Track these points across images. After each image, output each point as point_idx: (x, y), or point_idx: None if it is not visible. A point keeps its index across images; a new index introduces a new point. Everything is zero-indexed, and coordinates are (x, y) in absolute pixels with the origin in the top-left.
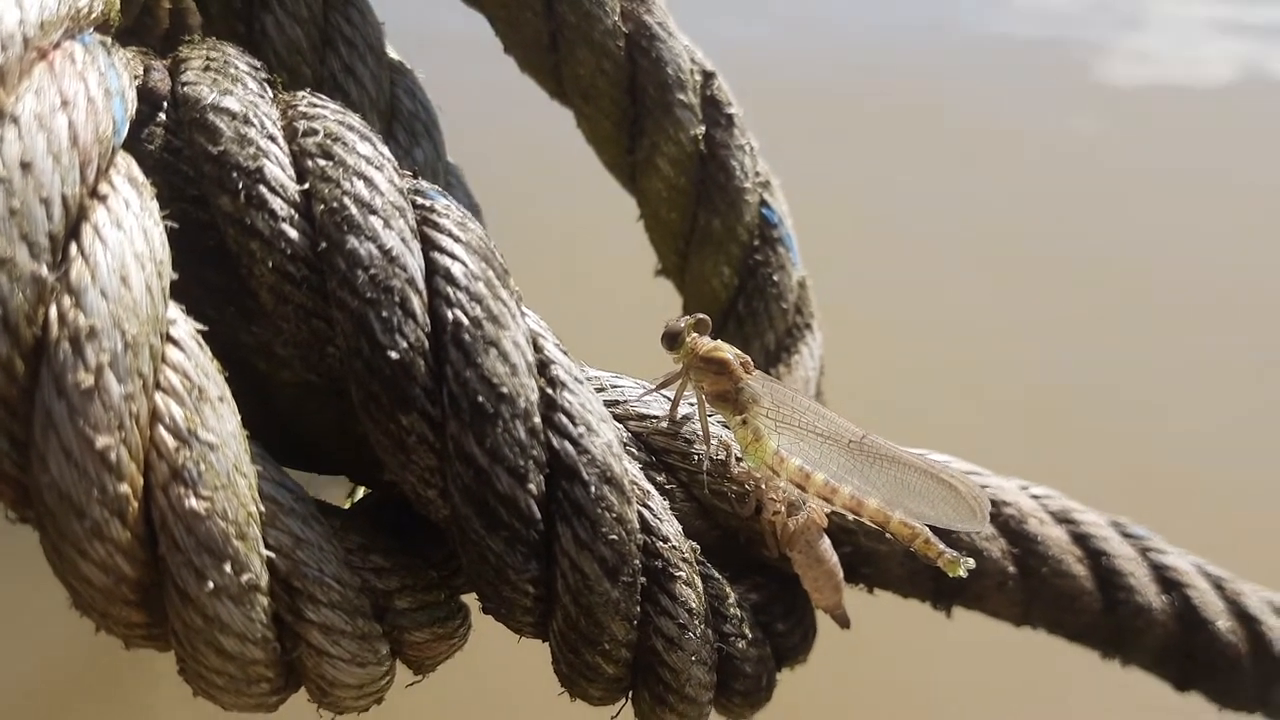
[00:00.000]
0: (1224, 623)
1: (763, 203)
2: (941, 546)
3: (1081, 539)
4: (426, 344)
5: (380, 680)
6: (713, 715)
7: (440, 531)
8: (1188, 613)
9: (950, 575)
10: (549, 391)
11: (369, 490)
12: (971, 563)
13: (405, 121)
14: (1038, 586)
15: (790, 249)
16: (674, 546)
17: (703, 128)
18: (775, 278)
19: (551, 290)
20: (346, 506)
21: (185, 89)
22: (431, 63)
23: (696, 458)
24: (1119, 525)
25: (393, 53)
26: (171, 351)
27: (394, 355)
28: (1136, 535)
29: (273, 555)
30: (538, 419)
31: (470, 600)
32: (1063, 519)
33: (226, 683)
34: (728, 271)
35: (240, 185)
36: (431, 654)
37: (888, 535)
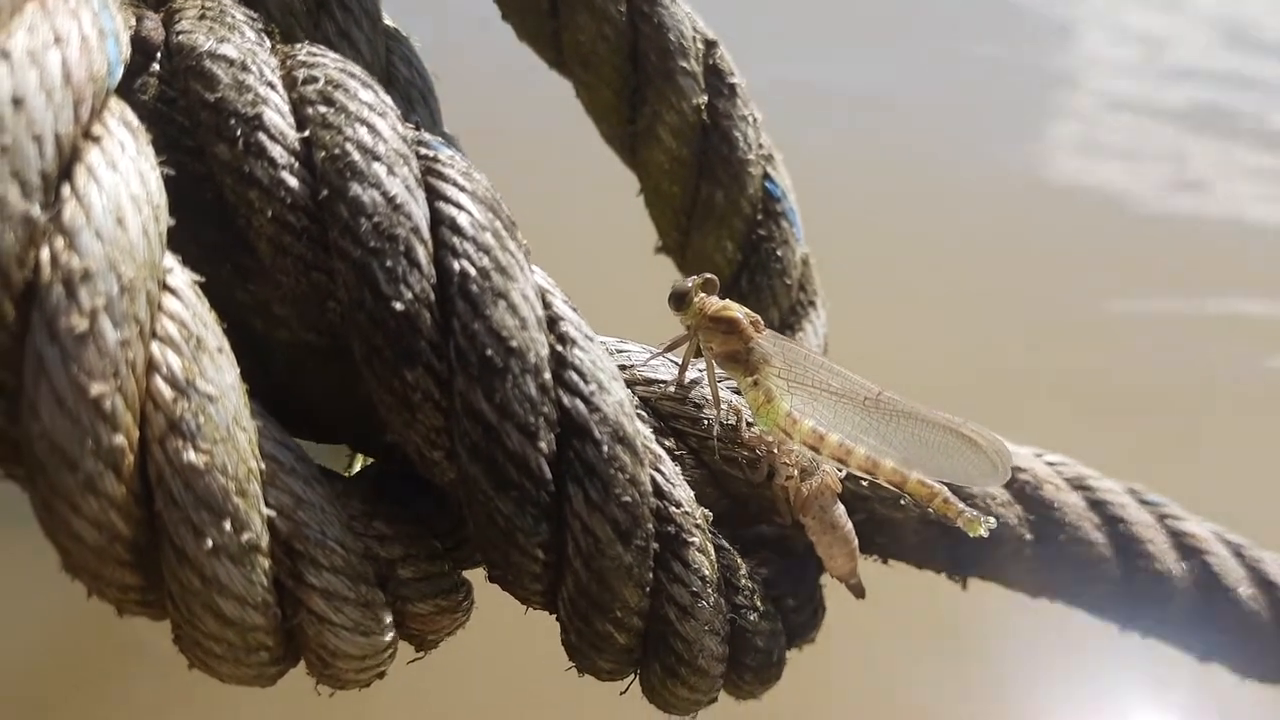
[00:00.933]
0: (1245, 590)
1: (766, 176)
2: (961, 505)
3: (1098, 505)
4: (432, 295)
5: (383, 653)
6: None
7: (443, 503)
8: (1208, 579)
9: (971, 535)
10: (559, 348)
11: (367, 462)
12: (993, 521)
13: (401, 89)
14: (1055, 554)
15: (794, 224)
16: (687, 512)
17: (705, 97)
18: (779, 253)
19: (549, 270)
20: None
21: (180, 37)
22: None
23: (706, 422)
24: (1135, 492)
25: (388, 19)
26: (168, 300)
27: (399, 306)
28: (1153, 502)
29: (273, 515)
30: (548, 375)
31: (474, 577)
32: (1078, 485)
33: (224, 650)
34: (730, 246)
35: (238, 132)
36: (434, 628)
37: (905, 495)
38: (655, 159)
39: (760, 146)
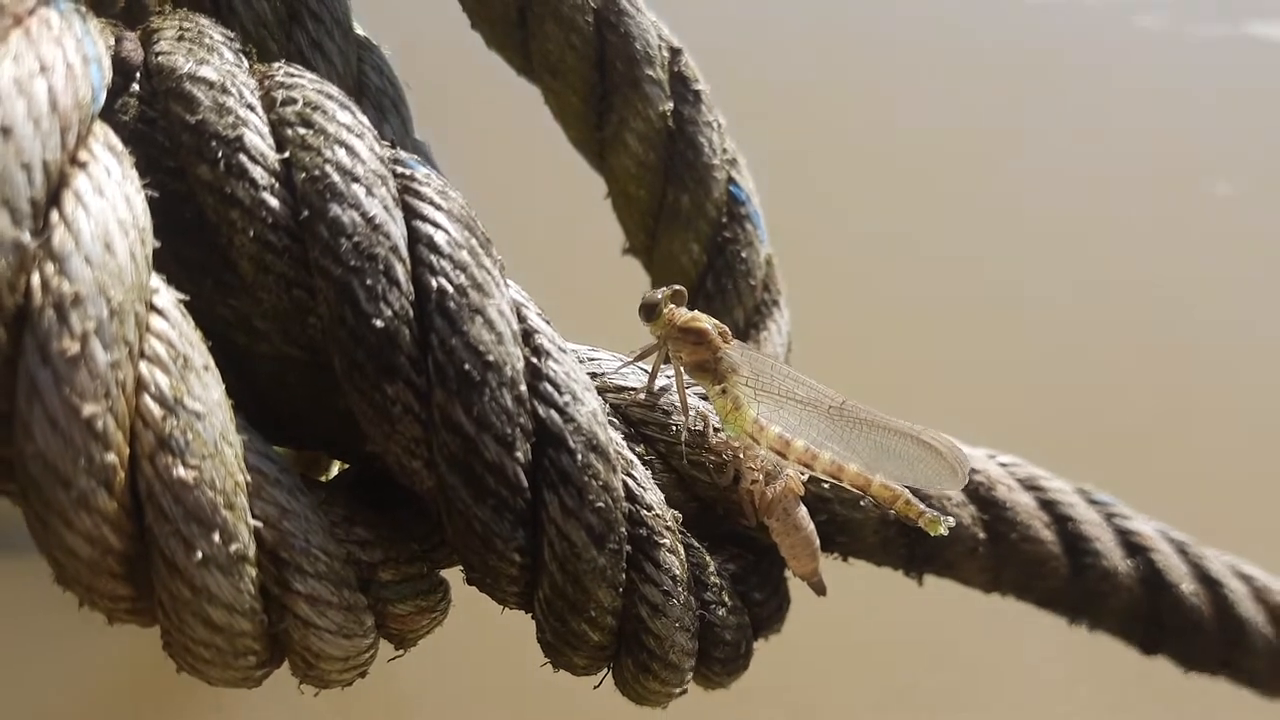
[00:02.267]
0: (1188, 586)
1: (730, 180)
2: (922, 507)
3: (1048, 505)
4: (411, 312)
5: (365, 653)
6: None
7: (419, 506)
8: (1152, 576)
9: (932, 534)
10: (534, 360)
11: (343, 467)
12: (952, 520)
13: (373, 97)
14: (1007, 552)
15: (758, 226)
16: (658, 515)
17: (671, 104)
18: (744, 254)
19: (520, 269)
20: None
21: (160, 59)
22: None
23: (675, 429)
24: (1084, 492)
25: (359, 29)
26: (155, 320)
27: (379, 323)
28: (1101, 501)
29: (259, 525)
30: (524, 387)
31: (452, 576)
32: (1029, 486)
33: (213, 655)
34: (697, 249)
35: (220, 154)
36: (414, 627)
37: (869, 498)
38: (623, 164)
39: (724, 151)
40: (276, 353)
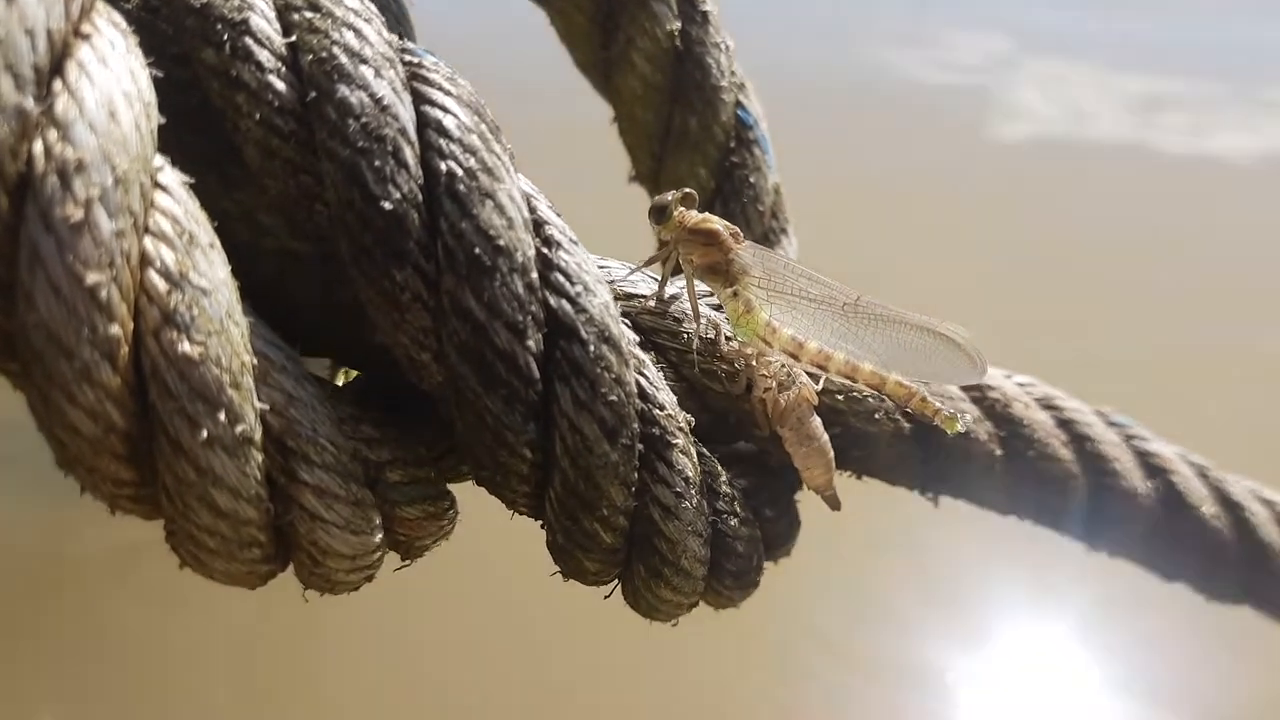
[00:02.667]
0: (1209, 509)
1: (738, 104)
2: (938, 404)
3: (1066, 424)
4: (420, 196)
5: (372, 553)
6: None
7: (426, 414)
8: (1173, 499)
9: (949, 432)
10: (545, 251)
11: (351, 378)
12: (969, 417)
13: (378, 11)
14: (1024, 470)
15: (766, 151)
16: (670, 415)
17: (679, 23)
18: (752, 180)
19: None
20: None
21: None
22: None
23: (686, 336)
24: (1102, 414)
25: None
26: (160, 197)
27: (387, 206)
28: (1119, 423)
29: (265, 409)
30: (535, 275)
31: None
32: (1046, 405)
33: (218, 544)
34: (704, 173)
35: (225, 37)
36: (421, 534)
37: (884, 397)
38: (629, 85)
39: (733, 74)
40: (281, 247)
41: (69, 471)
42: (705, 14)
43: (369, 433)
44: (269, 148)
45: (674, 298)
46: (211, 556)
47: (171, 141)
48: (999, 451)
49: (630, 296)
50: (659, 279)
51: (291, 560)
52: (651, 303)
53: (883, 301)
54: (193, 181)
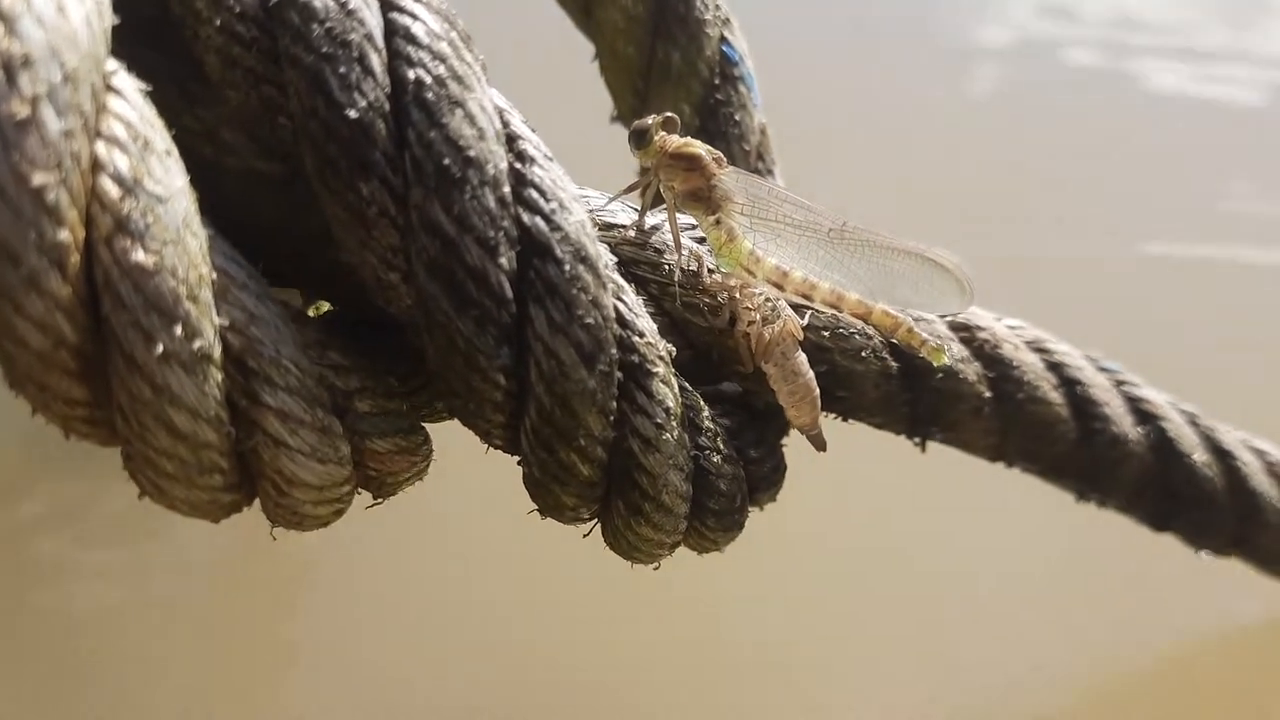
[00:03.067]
0: (1200, 456)
1: (723, 39)
2: (924, 335)
3: (1056, 367)
4: (387, 105)
5: (341, 485)
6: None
7: (399, 350)
8: (1164, 445)
9: (935, 364)
10: (518, 166)
11: (321, 310)
12: (955, 349)
13: None
14: (1013, 413)
15: (751, 89)
16: (650, 343)
17: None
18: (737, 118)
19: None
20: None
21: None
22: None
23: (667, 268)
24: (1092, 359)
25: None
26: (113, 100)
27: (352, 114)
28: (1110, 369)
29: (225, 326)
30: (507, 189)
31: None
32: (1036, 348)
33: (176, 469)
34: (688, 110)
35: None
36: (393, 469)
37: (870, 326)
38: (610, 18)
39: (718, 8)
40: (244, 166)
41: (19, 390)
42: None
43: (336, 359)
44: (230, 56)
45: (655, 228)
46: (170, 482)
47: (129, 56)
48: (988, 393)
49: (609, 226)
50: (639, 208)
51: (257, 491)
52: (631, 233)
53: (869, 227)
54: (150, 89)
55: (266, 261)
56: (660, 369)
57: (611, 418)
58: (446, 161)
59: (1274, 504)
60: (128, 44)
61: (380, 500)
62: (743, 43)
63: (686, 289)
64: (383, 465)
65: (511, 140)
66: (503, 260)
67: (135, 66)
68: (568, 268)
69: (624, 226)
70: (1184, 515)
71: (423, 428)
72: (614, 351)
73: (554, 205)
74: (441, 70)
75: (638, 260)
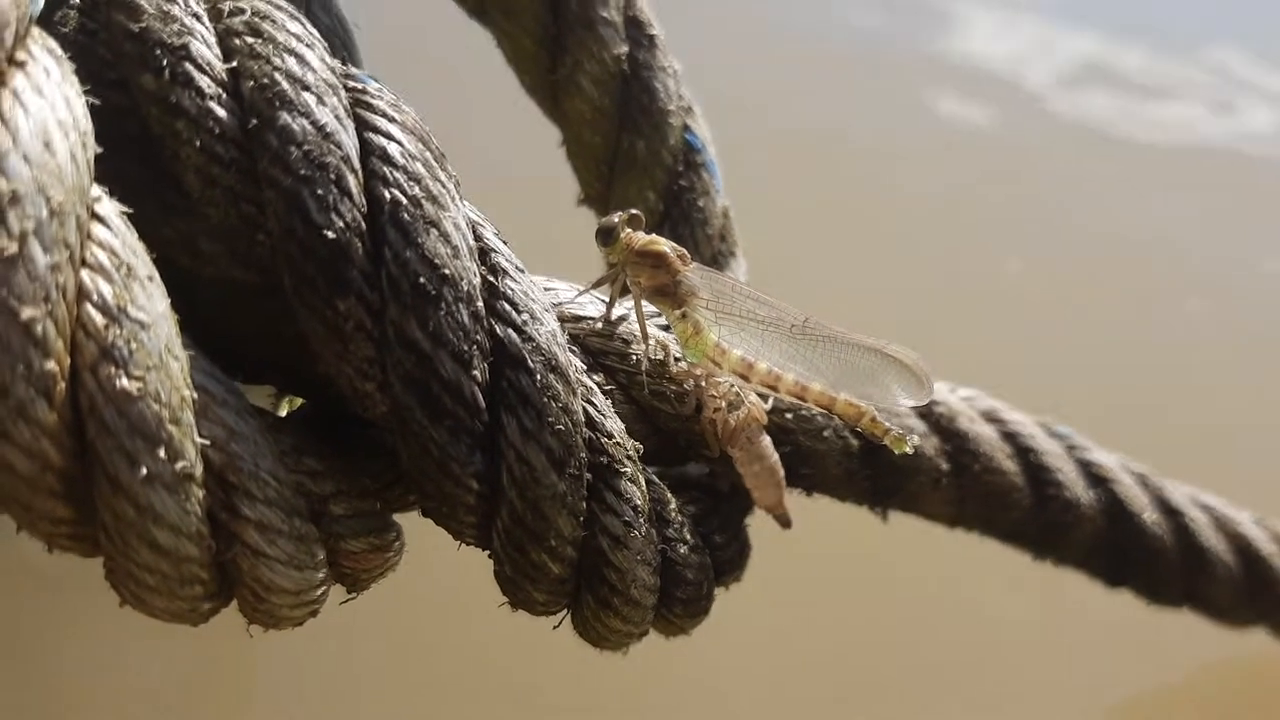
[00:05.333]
0: (1150, 515)
1: (686, 127)
2: (888, 424)
3: (1010, 436)
4: (363, 225)
5: (316, 589)
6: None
7: (371, 446)
8: (1115, 506)
9: (897, 452)
10: (491, 279)
11: (295, 406)
12: (916, 438)
13: (321, 36)
14: (971, 484)
15: (714, 175)
16: (618, 443)
17: (626, 47)
18: (700, 204)
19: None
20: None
21: None
22: None
23: (634, 358)
24: (1044, 425)
25: None
26: (97, 228)
27: (330, 235)
28: (1061, 434)
29: (206, 444)
30: (480, 304)
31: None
32: (991, 418)
33: (158, 582)
34: (652, 197)
35: (164, 62)
36: (367, 566)
37: (834, 416)
38: (577, 108)
39: (680, 98)
40: (222, 276)
41: (4, 510)
42: (652, 38)
43: (312, 465)
44: (210, 175)
45: (622, 319)
46: (152, 595)
47: (110, 170)
48: (946, 466)
49: (578, 319)
50: (607, 300)
51: (235, 596)
52: (599, 325)
53: (830, 323)
54: (131, 211)
55: (243, 364)
56: (628, 468)
57: (581, 518)
58: (422, 280)
59: (1221, 557)
60: (109, 157)
61: (354, 595)
62: (705, 130)
63: (654, 378)
64: (357, 564)
65: (484, 254)
66: (476, 372)
67: (116, 180)
68: (539, 377)
69: (593, 318)
70: (1136, 572)
71: (395, 523)
72: (584, 455)
73: (526, 317)
74: (416, 191)
75: (606, 350)
